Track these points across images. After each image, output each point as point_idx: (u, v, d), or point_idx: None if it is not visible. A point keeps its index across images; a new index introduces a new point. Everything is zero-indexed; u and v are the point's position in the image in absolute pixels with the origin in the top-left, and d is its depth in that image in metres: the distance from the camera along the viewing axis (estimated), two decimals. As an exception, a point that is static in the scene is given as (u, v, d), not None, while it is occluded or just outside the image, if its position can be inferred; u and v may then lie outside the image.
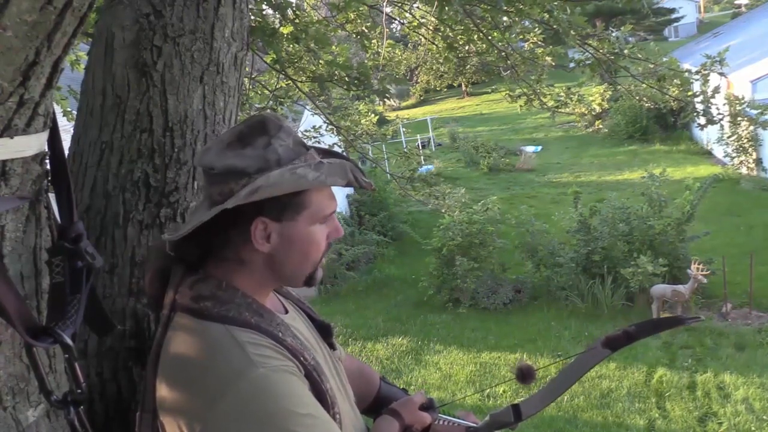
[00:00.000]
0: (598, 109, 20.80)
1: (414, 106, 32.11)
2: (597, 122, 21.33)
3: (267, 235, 0.99)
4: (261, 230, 0.98)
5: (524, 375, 1.28)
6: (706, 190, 9.61)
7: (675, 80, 4.39)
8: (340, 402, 1.04)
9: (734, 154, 15.04)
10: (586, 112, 20.24)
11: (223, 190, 0.96)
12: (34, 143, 0.81)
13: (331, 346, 1.18)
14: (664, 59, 4.29)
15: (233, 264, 1.01)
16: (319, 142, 5.66)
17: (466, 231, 9.90)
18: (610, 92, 19.26)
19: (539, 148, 20.61)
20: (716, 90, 4.75)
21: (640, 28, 27.70)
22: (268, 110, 4.17)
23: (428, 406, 1.26)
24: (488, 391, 6.68)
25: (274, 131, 1.00)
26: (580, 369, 1.25)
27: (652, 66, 4.26)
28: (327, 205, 1.03)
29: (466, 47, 4.57)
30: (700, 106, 4.69)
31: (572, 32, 3.60)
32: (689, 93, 4.68)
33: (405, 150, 9.19)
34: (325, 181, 0.98)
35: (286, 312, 1.11)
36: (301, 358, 0.97)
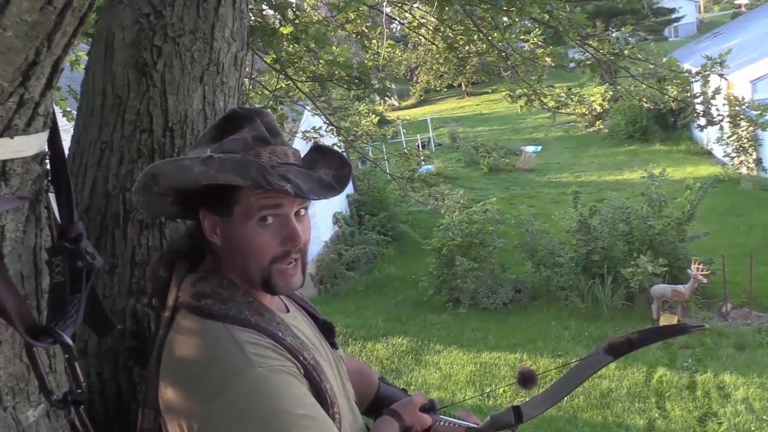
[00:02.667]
0: (598, 109, 20.81)
1: (414, 106, 32.12)
2: (597, 122, 21.34)
3: (213, 228, 1.00)
4: (208, 221, 1.00)
5: (525, 379, 1.28)
6: (706, 190, 9.61)
7: (675, 80, 4.38)
8: (340, 401, 1.03)
9: (734, 154, 15.05)
10: (587, 112, 20.25)
11: None
12: (34, 143, 0.81)
13: (333, 345, 1.18)
14: (664, 59, 4.29)
15: (215, 260, 1.03)
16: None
17: (466, 231, 9.91)
18: (610, 92, 19.28)
19: (539, 148, 20.62)
20: (716, 91, 4.74)
21: (640, 28, 27.69)
22: (268, 110, 4.17)
23: (429, 408, 1.26)
24: (489, 391, 6.68)
25: (244, 125, 1.00)
26: (581, 374, 1.25)
27: (652, 66, 4.26)
28: (260, 205, 0.96)
29: (466, 47, 4.57)
30: (700, 107, 4.69)
31: (572, 31, 3.59)
32: (688, 93, 4.67)
33: (405, 150, 9.19)
34: (213, 177, 0.91)
35: (288, 311, 1.11)
36: (301, 358, 0.96)
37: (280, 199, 0.97)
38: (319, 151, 1.08)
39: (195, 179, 0.92)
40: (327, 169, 1.05)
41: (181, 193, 0.99)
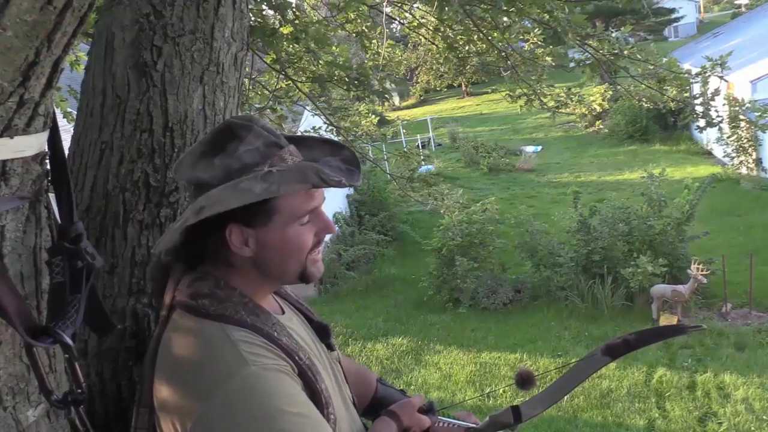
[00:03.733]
0: (598, 109, 20.81)
1: (414, 106, 32.12)
2: (597, 122, 21.33)
3: (245, 240, 0.98)
4: (237, 236, 0.98)
5: (524, 381, 1.28)
6: (705, 190, 9.61)
7: (675, 81, 4.38)
8: (336, 402, 1.03)
9: (734, 154, 15.03)
10: (587, 112, 20.25)
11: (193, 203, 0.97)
12: (34, 143, 0.81)
13: (329, 347, 1.18)
14: (664, 60, 4.28)
15: (225, 266, 1.02)
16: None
17: (465, 231, 9.90)
18: (610, 92, 19.28)
19: (539, 148, 20.62)
20: (716, 92, 4.73)
21: (640, 28, 27.71)
22: (268, 110, 4.17)
23: (428, 409, 1.26)
24: (488, 391, 6.68)
25: (243, 134, 0.98)
26: (579, 375, 1.25)
27: (651, 67, 4.25)
28: (301, 206, 0.99)
29: (466, 47, 4.56)
30: (699, 108, 4.67)
31: (571, 32, 3.59)
32: (686, 94, 4.66)
33: (405, 150, 9.18)
34: (275, 191, 0.93)
35: (283, 313, 1.11)
36: (296, 358, 0.97)
37: (314, 196, 1.01)
38: (296, 141, 1.07)
39: (255, 198, 0.92)
40: (321, 155, 1.08)
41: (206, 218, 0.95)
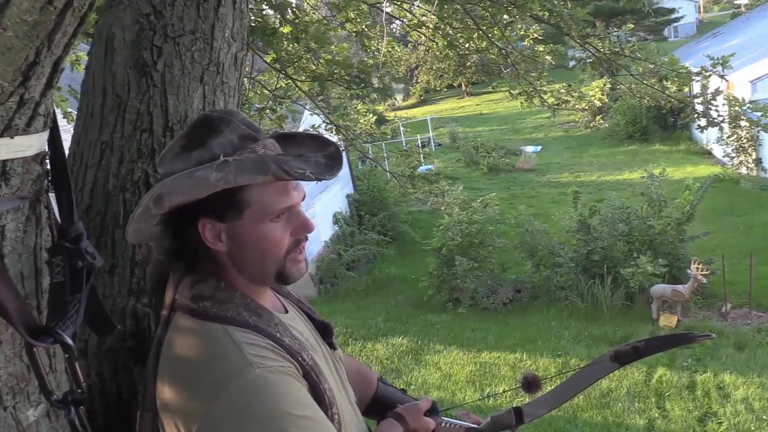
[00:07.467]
0: (597, 104, 20.76)
1: (414, 106, 32.14)
2: (597, 117, 21.30)
3: (217, 235, 0.97)
4: (210, 230, 0.97)
5: (530, 384, 1.28)
6: (706, 190, 9.61)
7: (676, 78, 4.37)
8: (340, 402, 1.03)
9: (734, 154, 15.04)
10: (586, 107, 20.21)
11: None
12: (35, 143, 0.81)
13: (331, 346, 1.18)
14: (664, 58, 4.28)
15: (212, 264, 1.01)
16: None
17: (465, 231, 9.91)
18: (609, 86, 19.23)
19: (539, 148, 20.62)
20: (716, 92, 4.71)
21: (640, 28, 27.70)
22: (267, 110, 4.17)
23: (431, 410, 1.26)
24: (488, 393, 6.68)
25: (222, 128, 0.98)
26: (586, 380, 1.25)
27: (652, 66, 4.25)
28: (275, 201, 0.97)
29: (466, 45, 4.57)
30: (699, 108, 4.66)
31: (573, 26, 3.59)
32: (687, 89, 4.65)
33: (405, 148, 9.18)
34: (232, 181, 0.91)
35: (286, 312, 1.11)
36: (300, 359, 0.96)
37: (289, 193, 0.98)
38: (284, 138, 1.07)
39: (212, 188, 0.91)
40: (308, 151, 1.05)
41: (174, 209, 0.95)
